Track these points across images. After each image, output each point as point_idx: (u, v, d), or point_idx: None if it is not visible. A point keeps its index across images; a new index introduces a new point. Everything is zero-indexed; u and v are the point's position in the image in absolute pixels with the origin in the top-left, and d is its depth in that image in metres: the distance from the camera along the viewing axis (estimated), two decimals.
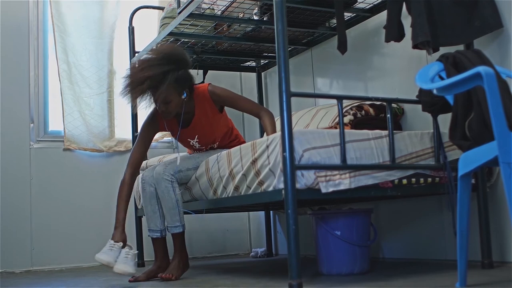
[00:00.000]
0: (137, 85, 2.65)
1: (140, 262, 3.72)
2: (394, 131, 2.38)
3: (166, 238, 2.91)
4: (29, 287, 2.89)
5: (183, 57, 2.77)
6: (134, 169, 2.91)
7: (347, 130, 2.32)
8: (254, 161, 2.35)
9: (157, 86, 2.65)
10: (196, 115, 2.89)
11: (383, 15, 2.79)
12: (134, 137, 3.90)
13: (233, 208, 3.66)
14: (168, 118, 2.82)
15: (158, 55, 2.70)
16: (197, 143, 3.00)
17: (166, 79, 2.64)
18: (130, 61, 3.95)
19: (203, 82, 4.06)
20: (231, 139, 3.07)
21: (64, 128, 4.04)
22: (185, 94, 2.76)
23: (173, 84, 2.68)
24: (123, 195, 2.84)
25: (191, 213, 2.94)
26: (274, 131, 2.76)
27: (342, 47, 2.84)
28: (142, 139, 2.95)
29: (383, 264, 2.96)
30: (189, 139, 2.99)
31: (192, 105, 2.87)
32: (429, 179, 2.40)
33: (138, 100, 2.74)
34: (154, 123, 2.95)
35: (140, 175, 3.03)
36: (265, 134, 2.83)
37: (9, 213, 3.81)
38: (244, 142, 3.13)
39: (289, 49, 3.76)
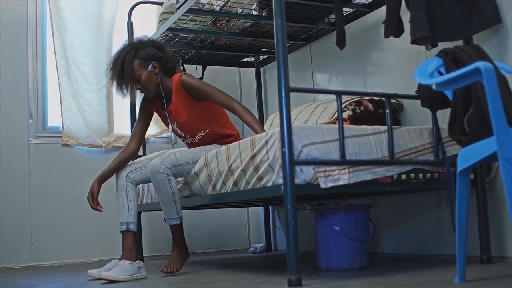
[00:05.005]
0: (118, 77, 2.96)
1: (140, 257, 3.71)
2: (393, 127, 2.38)
3: (135, 233, 2.89)
4: (29, 282, 2.89)
5: (139, 41, 3.05)
6: (138, 138, 3.10)
7: (346, 126, 2.32)
8: (253, 157, 2.35)
9: (129, 67, 2.91)
10: (172, 101, 2.98)
11: (382, 10, 2.79)
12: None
13: (232, 204, 3.66)
14: (149, 95, 3.01)
15: (118, 51, 3.01)
16: (178, 129, 3.05)
17: (130, 57, 2.91)
18: None
19: (202, 77, 4.06)
20: (222, 131, 3.05)
21: (62, 124, 4.04)
22: (150, 66, 2.93)
23: (135, 60, 2.92)
24: (117, 156, 3.05)
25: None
26: (261, 126, 2.78)
27: (341, 42, 2.84)
28: (142, 115, 3.13)
29: (382, 259, 2.96)
30: (170, 124, 3.09)
31: (171, 91, 2.99)
32: (428, 175, 2.41)
33: (128, 84, 2.99)
34: (146, 105, 3.12)
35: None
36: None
37: (8, 209, 3.81)
38: (238, 135, 3.12)
39: (288, 44, 3.76)
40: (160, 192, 2.76)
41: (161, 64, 2.97)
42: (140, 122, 3.12)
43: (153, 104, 3.08)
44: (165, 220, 2.87)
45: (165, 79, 2.99)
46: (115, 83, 2.99)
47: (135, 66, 2.91)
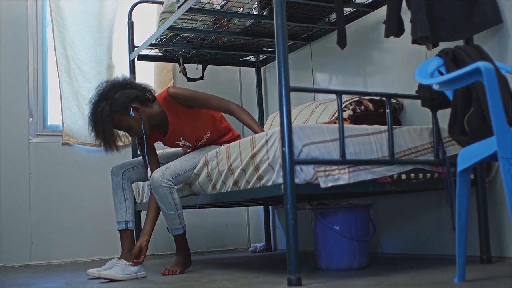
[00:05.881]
0: (103, 140, 2.82)
1: None
2: (393, 126, 2.38)
3: (134, 232, 2.97)
4: (28, 281, 2.89)
5: (107, 91, 2.84)
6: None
7: (346, 125, 2.32)
8: (253, 156, 2.35)
9: (110, 126, 2.80)
10: (170, 121, 2.92)
11: (383, 10, 2.79)
12: (132, 143, 3.89)
13: (232, 203, 3.66)
14: (147, 133, 2.90)
15: (91, 112, 2.83)
16: (186, 143, 3.02)
17: (107, 116, 2.76)
18: (129, 56, 3.95)
19: (202, 77, 4.06)
20: (221, 132, 3.06)
21: (62, 123, 4.04)
22: (131, 112, 2.81)
23: (114, 115, 2.79)
24: (150, 202, 2.92)
25: (190, 212, 2.94)
26: (260, 126, 2.79)
27: (342, 42, 2.83)
28: (150, 158, 3.00)
29: (382, 259, 2.96)
30: (177, 142, 3.03)
31: (163, 113, 2.91)
32: (428, 175, 2.41)
33: (116, 140, 2.89)
34: (142, 144, 3.02)
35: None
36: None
37: (8, 208, 3.81)
38: (238, 135, 3.13)
39: (289, 44, 3.75)
40: (163, 205, 2.76)
41: (139, 101, 2.84)
42: (150, 156, 2.98)
43: (150, 137, 2.97)
44: (168, 230, 2.87)
45: (150, 109, 2.88)
46: (102, 144, 2.85)
47: (117, 121, 2.80)
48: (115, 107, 2.77)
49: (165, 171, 2.76)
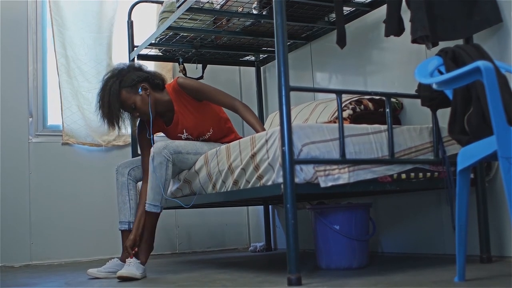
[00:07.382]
0: (107, 113, 2.84)
1: None
2: (393, 126, 2.38)
3: None
4: (28, 280, 2.89)
5: (119, 70, 2.93)
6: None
7: (346, 125, 2.32)
8: (253, 156, 2.35)
9: (117, 100, 2.83)
10: (176, 110, 2.95)
11: (383, 9, 2.79)
12: (133, 131, 3.88)
13: (232, 203, 3.66)
14: (148, 119, 2.92)
15: (101, 87, 2.89)
16: (189, 136, 3.02)
17: (115, 89, 2.83)
18: (129, 55, 3.95)
19: (202, 76, 4.06)
20: (224, 132, 3.06)
21: (62, 122, 4.04)
22: (140, 90, 2.86)
23: (123, 91, 2.85)
24: (141, 199, 2.93)
25: (185, 207, 2.92)
26: (262, 125, 2.80)
27: (341, 41, 2.83)
28: (144, 146, 3.04)
29: (382, 259, 2.96)
30: (179, 135, 3.04)
31: (170, 102, 2.95)
32: (428, 174, 2.41)
33: (120, 121, 2.92)
34: (144, 131, 3.04)
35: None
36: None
37: (8, 208, 3.81)
38: (240, 138, 3.13)
39: (288, 43, 3.75)
40: (154, 175, 2.74)
41: (149, 83, 2.91)
42: (145, 152, 2.99)
43: (153, 125, 2.99)
44: (145, 205, 2.79)
45: (159, 94, 2.94)
46: (106, 121, 2.86)
47: (124, 96, 2.85)
48: (125, 83, 2.86)
49: (169, 143, 2.79)
